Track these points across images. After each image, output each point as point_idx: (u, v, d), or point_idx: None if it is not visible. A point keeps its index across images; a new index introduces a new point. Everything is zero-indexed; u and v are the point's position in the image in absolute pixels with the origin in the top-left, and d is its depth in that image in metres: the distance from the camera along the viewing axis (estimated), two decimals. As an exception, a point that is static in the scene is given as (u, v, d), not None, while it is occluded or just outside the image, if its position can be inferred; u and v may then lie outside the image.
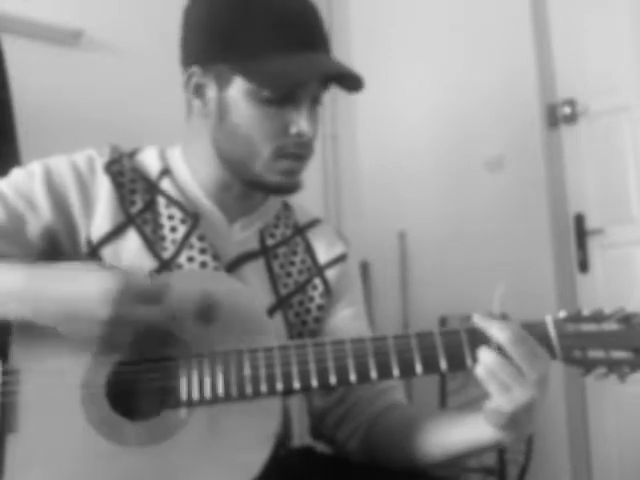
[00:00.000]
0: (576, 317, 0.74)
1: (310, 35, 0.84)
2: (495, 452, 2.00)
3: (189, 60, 0.87)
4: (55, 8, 2.02)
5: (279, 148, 0.85)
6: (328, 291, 0.96)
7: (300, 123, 0.84)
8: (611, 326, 0.73)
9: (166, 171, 0.92)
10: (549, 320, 0.74)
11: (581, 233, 2.07)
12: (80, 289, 0.71)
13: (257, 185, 0.89)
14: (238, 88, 0.83)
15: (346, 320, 0.96)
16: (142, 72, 2.12)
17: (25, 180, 0.85)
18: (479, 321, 0.73)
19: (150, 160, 0.93)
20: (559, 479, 2.04)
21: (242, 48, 0.82)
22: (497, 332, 0.71)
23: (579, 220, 2.07)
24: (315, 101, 0.87)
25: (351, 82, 0.86)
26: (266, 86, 0.81)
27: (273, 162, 0.85)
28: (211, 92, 0.86)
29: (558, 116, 2.14)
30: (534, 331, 0.72)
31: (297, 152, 0.86)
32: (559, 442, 2.04)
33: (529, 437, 1.99)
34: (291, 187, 0.88)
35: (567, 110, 2.11)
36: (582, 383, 2.07)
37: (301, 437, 1.05)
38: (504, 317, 0.74)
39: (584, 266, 2.07)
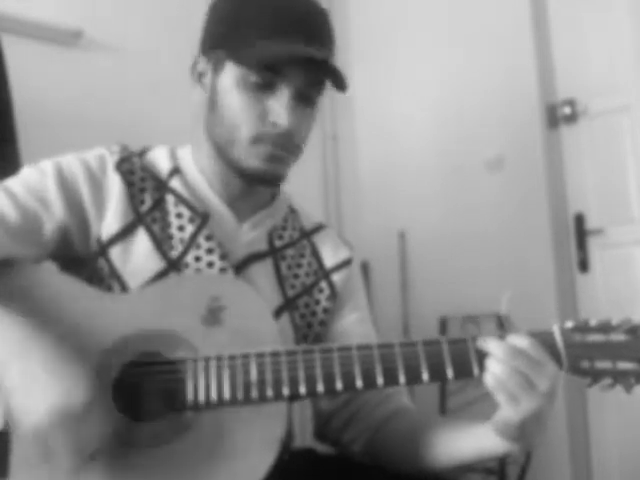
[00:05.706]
0: (583, 327, 0.74)
1: (308, 30, 0.84)
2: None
3: (199, 50, 0.90)
4: (55, 8, 2.01)
5: (257, 135, 0.84)
6: (334, 295, 0.96)
7: (279, 113, 0.82)
8: (618, 337, 0.73)
9: (176, 170, 0.92)
10: (556, 329, 0.74)
11: (581, 233, 2.07)
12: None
13: (238, 171, 0.87)
14: (229, 74, 0.85)
15: (352, 325, 0.95)
16: (142, 72, 2.12)
17: (37, 178, 0.84)
18: (481, 345, 0.73)
19: (160, 159, 0.93)
20: (559, 479, 2.04)
21: (241, 35, 0.83)
22: (495, 349, 0.71)
23: (579, 220, 2.07)
24: (302, 98, 0.85)
25: (339, 80, 0.84)
26: (244, 63, 0.82)
27: (251, 147, 0.84)
28: (208, 79, 0.88)
29: (558, 116, 2.13)
30: (541, 340, 0.72)
31: (275, 141, 0.84)
32: (559, 442, 2.04)
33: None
34: (271, 174, 0.86)
35: (567, 110, 2.11)
36: (582, 383, 2.07)
37: (302, 438, 1.05)
38: (507, 320, 0.74)
39: (584, 266, 2.06)
